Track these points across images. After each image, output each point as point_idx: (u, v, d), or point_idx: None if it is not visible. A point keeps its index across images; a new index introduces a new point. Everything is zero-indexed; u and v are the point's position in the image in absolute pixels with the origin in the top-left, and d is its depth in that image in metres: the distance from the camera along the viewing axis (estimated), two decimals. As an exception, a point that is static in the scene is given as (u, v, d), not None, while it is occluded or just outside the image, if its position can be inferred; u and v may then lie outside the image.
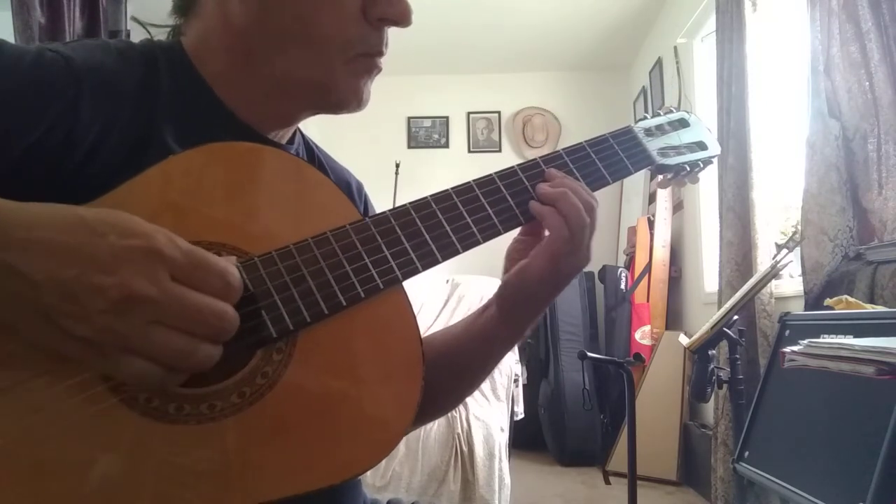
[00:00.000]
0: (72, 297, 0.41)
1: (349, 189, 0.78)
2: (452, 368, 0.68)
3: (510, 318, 0.65)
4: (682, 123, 0.75)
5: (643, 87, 4.26)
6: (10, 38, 1.99)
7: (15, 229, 0.41)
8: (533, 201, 0.62)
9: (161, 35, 0.68)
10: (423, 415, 0.71)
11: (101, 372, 0.44)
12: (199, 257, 0.44)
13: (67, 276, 0.41)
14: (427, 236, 0.57)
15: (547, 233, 0.61)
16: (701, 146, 0.74)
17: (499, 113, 4.88)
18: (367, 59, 0.63)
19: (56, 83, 0.52)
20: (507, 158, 4.58)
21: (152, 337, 0.42)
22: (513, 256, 0.65)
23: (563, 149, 0.66)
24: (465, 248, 0.59)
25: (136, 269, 0.42)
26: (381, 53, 0.64)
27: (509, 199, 0.62)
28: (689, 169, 0.73)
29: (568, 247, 0.60)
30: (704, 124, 0.77)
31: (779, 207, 2.50)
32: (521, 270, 0.62)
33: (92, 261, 0.41)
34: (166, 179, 0.52)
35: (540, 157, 0.65)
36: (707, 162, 0.74)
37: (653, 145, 0.71)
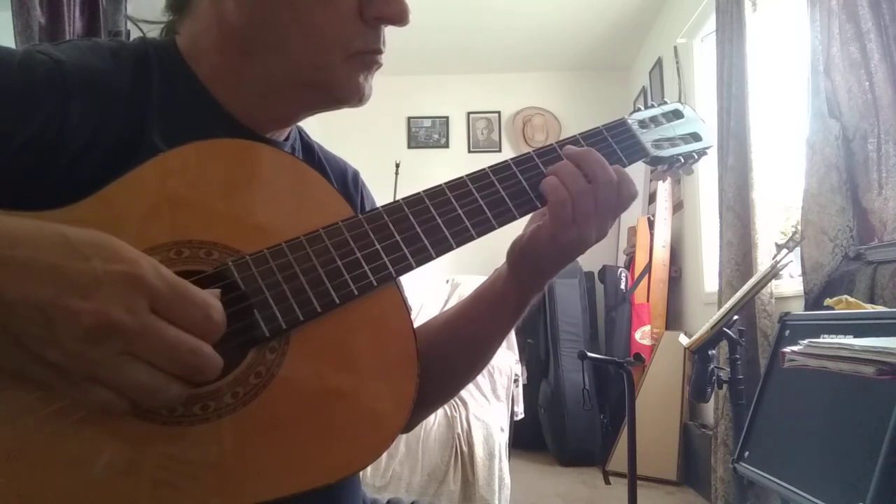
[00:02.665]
0: (45, 319, 0.39)
1: (345, 178, 0.77)
2: (461, 339, 0.68)
3: (519, 276, 0.64)
4: (677, 115, 0.74)
5: (643, 87, 4.26)
6: (10, 37, 1.99)
7: None
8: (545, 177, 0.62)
9: (155, 32, 0.68)
10: (436, 397, 0.73)
11: (67, 398, 0.43)
12: (181, 289, 0.43)
13: (43, 297, 0.39)
14: (419, 231, 0.57)
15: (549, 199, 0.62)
16: (695, 137, 0.73)
17: (499, 113, 4.88)
18: (365, 57, 0.62)
19: (45, 85, 0.52)
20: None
21: (122, 369, 0.40)
22: (534, 219, 0.66)
23: (557, 142, 0.65)
24: (459, 244, 0.58)
25: (116, 297, 0.40)
26: (379, 51, 0.63)
27: (502, 192, 0.61)
28: (683, 161, 0.72)
29: (566, 213, 0.59)
30: (698, 115, 0.76)
31: (779, 207, 2.49)
32: (533, 232, 0.62)
33: (70, 283, 0.40)
34: (156, 177, 0.51)
35: (533, 151, 0.64)
36: (701, 153, 0.73)
37: (647, 137, 0.70)
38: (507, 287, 0.65)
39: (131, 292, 0.41)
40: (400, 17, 0.61)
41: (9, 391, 0.42)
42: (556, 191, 0.60)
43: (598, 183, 0.60)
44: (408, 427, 0.73)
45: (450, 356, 0.70)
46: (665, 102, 0.76)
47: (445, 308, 0.84)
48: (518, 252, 0.63)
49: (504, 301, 0.66)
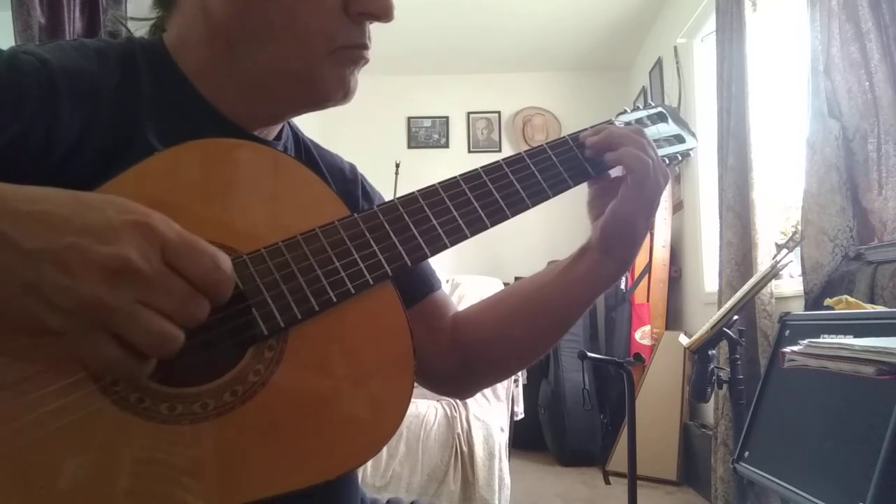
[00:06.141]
0: (64, 265, 0.40)
1: (343, 174, 0.77)
2: (550, 311, 0.71)
3: (613, 256, 0.67)
4: (661, 117, 0.77)
5: (643, 87, 4.26)
6: (10, 37, 1.99)
7: (10, 202, 0.41)
8: (610, 153, 0.66)
9: (143, 29, 0.68)
10: (522, 357, 0.77)
11: (77, 355, 0.43)
12: (191, 239, 0.44)
13: (61, 245, 0.40)
14: (415, 231, 0.57)
15: (613, 173, 0.66)
16: (679, 139, 0.76)
17: (499, 113, 4.88)
18: (350, 52, 0.62)
19: (31, 85, 0.52)
20: (508, 158, 4.59)
21: (136, 316, 0.41)
22: (594, 203, 0.69)
23: (547, 143, 0.67)
24: (453, 242, 0.58)
25: (131, 243, 0.41)
26: (365, 47, 0.63)
27: (494, 192, 0.62)
28: (668, 161, 0.74)
29: (646, 169, 0.63)
30: (682, 118, 0.79)
31: (779, 207, 2.49)
32: (613, 210, 0.65)
33: (87, 231, 0.41)
34: (151, 177, 0.52)
35: (524, 152, 0.66)
36: (685, 154, 0.76)
37: None
38: (605, 268, 0.67)
39: (145, 239, 0.42)
40: (384, 13, 0.61)
41: (7, 390, 0.42)
42: (639, 158, 0.64)
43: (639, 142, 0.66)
44: (470, 392, 0.81)
45: (539, 330, 0.72)
46: (650, 105, 0.78)
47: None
48: (611, 235, 0.66)
49: (604, 277, 0.68)
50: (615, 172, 0.68)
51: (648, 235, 3.64)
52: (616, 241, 0.66)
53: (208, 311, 0.45)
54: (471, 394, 0.83)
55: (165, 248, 0.43)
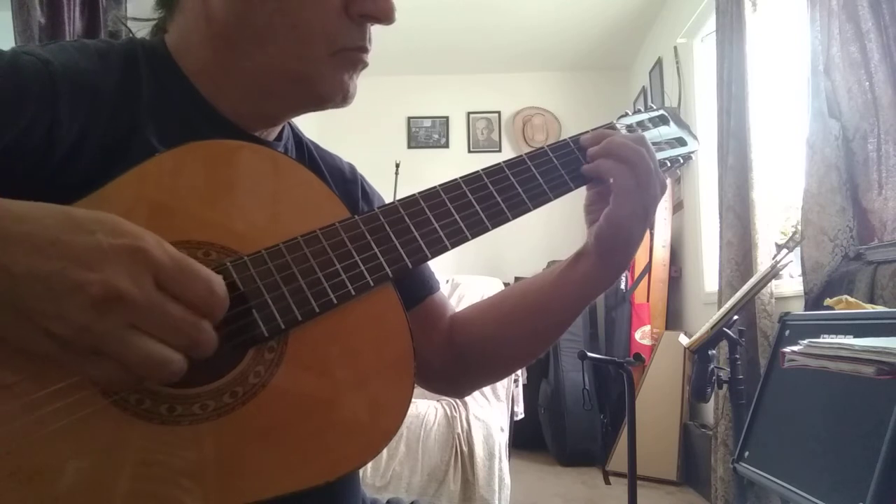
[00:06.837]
0: (51, 292, 0.39)
1: (342, 175, 0.77)
2: (546, 312, 0.70)
3: (609, 261, 0.66)
4: (663, 120, 0.77)
5: (643, 87, 4.26)
6: (10, 37, 1.99)
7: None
8: (586, 165, 0.65)
9: (145, 30, 0.68)
10: (518, 357, 0.77)
11: (74, 371, 0.43)
12: (185, 263, 0.43)
13: (49, 270, 0.39)
14: (415, 232, 0.57)
15: (612, 180, 0.64)
16: (680, 142, 0.76)
17: (499, 113, 4.88)
18: (351, 54, 0.62)
19: (32, 85, 0.52)
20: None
21: (128, 341, 0.40)
22: (591, 208, 0.68)
23: (548, 145, 0.67)
24: (454, 245, 0.59)
25: (121, 269, 0.40)
26: (365, 49, 0.63)
27: (495, 194, 0.62)
28: (669, 164, 0.74)
29: (635, 182, 0.62)
30: (683, 120, 0.79)
31: (779, 207, 2.49)
32: (607, 217, 0.64)
33: (76, 256, 0.40)
34: (152, 178, 0.52)
35: (525, 154, 0.66)
36: (686, 157, 0.76)
37: None
38: (602, 272, 0.67)
39: (136, 265, 0.41)
40: (385, 16, 0.62)
41: (5, 391, 0.42)
42: (616, 167, 0.63)
43: (634, 149, 0.64)
44: (466, 391, 0.81)
45: (534, 331, 0.72)
46: (652, 108, 0.78)
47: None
48: (606, 241, 0.65)
49: (600, 281, 0.68)
50: None
51: (648, 235, 3.65)
52: (611, 246, 0.65)
53: (210, 335, 0.44)
54: (467, 392, 0.83)
55: (159, 273, 0.42)
